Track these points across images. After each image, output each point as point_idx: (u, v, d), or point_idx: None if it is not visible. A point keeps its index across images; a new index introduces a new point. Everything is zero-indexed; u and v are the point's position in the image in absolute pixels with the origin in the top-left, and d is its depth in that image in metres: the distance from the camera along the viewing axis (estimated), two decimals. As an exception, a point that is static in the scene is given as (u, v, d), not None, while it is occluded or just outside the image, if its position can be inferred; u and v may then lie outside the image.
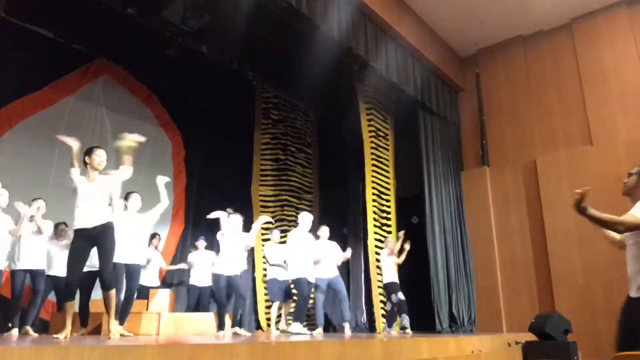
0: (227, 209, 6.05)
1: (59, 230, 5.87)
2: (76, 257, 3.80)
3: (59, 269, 5.66)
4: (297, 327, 5.70)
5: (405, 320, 6.50)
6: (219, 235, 5.99)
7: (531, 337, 4.93)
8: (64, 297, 3.81)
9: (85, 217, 3.87)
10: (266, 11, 6.24)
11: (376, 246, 7.27)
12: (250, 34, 6.86)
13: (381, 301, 7.17)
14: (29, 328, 5.14)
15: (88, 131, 7.41)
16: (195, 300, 7.02)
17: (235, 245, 5.89)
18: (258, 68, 8.11)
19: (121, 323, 4.61)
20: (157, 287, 6.62)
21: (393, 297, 6.61)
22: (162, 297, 5.91)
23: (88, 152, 4.05)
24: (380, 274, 7.17)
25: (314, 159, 9.56)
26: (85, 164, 4.01)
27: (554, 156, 7.38)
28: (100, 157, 4.02)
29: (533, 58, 8.04)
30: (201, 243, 7.27)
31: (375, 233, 7.33)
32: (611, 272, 6.45)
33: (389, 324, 6.74)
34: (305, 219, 6.25)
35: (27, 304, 5.28)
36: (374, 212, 7.39)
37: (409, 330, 6.45)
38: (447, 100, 8.25)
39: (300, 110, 9.40)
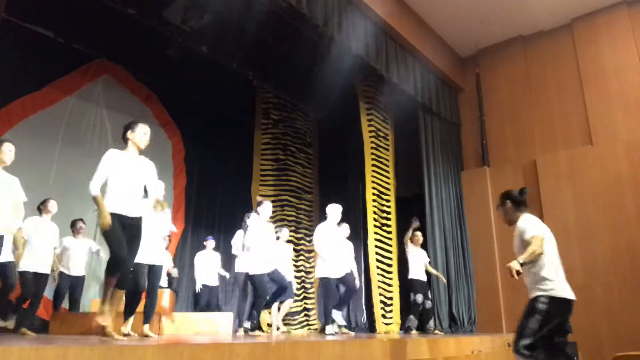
0: (257, 197, 5.59)
1: (77, 228, 5.95)
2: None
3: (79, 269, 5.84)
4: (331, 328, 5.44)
5: (412, 322, 6.40)
6: (251, 224, 5.40)
7: (531, 337, 4.92)
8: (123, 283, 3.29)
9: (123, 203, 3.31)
10: (266, 11, 6.25)
11: (376, 246, 7.27)
12: (250, 34, 6.86)
13: (381, 301, 7.17)
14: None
15: (88, 131, 7.43)
16: (206, 300, 7.00)
17: (267, 241, 5.39)
18: (258, 68, 8.11)
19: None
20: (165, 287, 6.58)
21: (418, 297, 6.44)
22: (162, 297, 5.90)
23: (131, 126, 3.49)
24: (380, 274, 7.16)
25: (314, 159, 9.56)
26: (126, 140, 3.48)
27: (554, 156, 7.38)
28: (146, 134, 3.50)
29: (533, 58, 8.04)
30: (210, 243, 7.25)
31: (375, 233, 7.33)
32: (611, 272, 6.45)
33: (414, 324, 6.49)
34: (334, 211, 5.74)
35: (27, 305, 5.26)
36: (374, 212, 7.39)
37: (414, 332, 6.39)
38: (447, 101, 8.25)
39: (300, 110, 9.39)
